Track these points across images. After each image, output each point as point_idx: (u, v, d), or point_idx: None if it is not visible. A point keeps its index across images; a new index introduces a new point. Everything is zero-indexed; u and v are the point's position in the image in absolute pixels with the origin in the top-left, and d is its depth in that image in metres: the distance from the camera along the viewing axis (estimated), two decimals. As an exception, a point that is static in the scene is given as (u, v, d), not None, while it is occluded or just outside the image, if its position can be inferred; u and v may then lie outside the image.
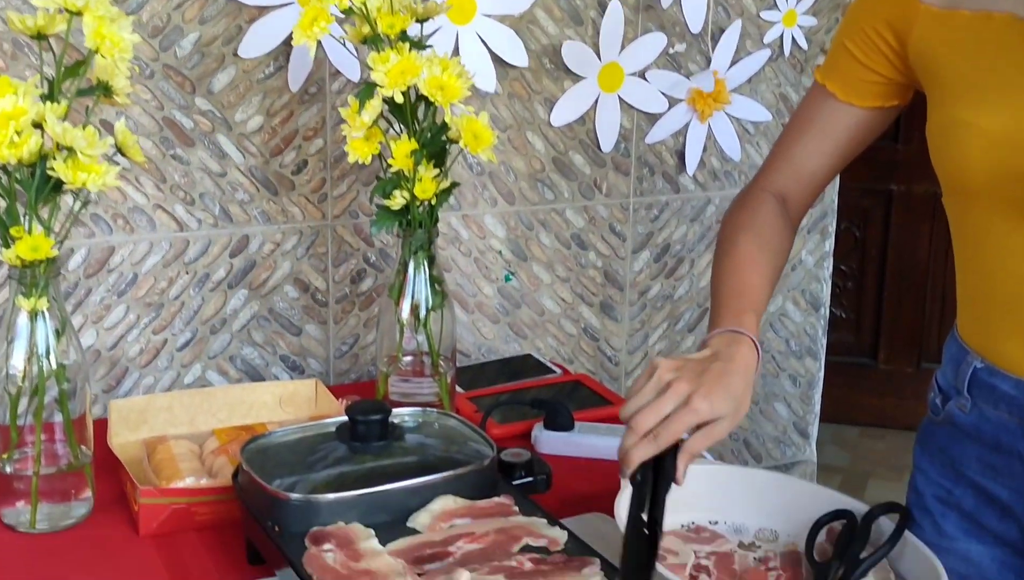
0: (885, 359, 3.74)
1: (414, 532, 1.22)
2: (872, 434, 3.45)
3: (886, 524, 1.30)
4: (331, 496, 1.23)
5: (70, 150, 1.25)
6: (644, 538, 1.10)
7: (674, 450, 1.17)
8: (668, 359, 1.20)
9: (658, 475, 1.15)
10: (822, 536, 1.33)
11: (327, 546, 1.17)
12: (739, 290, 1.31)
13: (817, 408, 2.39)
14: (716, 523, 1.42)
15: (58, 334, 1.34)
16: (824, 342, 2.40)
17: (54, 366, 1.34)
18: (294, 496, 1.22)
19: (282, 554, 1.19)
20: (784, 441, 2.39)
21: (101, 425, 1.51)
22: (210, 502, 1.38)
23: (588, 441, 1.62)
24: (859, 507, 1.33)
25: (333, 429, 1.35)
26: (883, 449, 3.38)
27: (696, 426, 1.16)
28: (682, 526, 1.41)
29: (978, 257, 1.26)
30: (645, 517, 1.12)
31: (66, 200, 1.34)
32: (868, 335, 3.75)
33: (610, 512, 1.46)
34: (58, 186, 1.29)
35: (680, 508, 1.41)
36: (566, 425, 1.65)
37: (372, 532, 1.20)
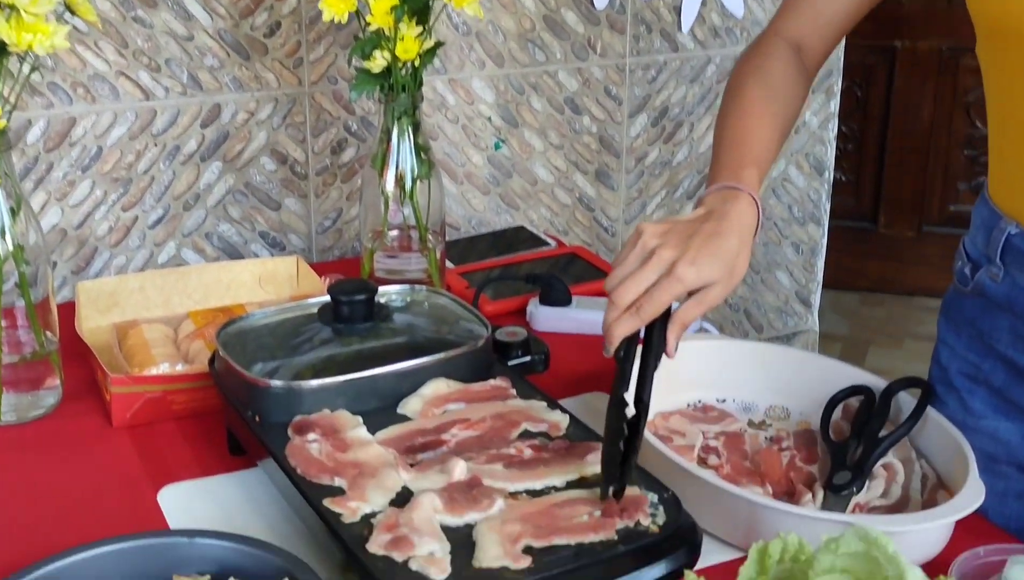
0: (886, 223, 3.64)
1: (404, 419, 1.14)
2: (871, 301, 3.38)
3: (906, 400, 1.22)
4: (314, 382, 1.14)
5: (12, 8, 1.13)
6: (626, 420, 1.01)
7: (665, 321, 1.08)
8: (655, 223, 1.09)
9: (647, 350, 1.06)
10: (838, 413, 1.26)
11: (311, 436, 1.09)
12: (741, 140, 1.19)
13: (820, 276, 2.31)
14: (724, 401, 1.34)
15: (13, 213, 1.24)
16: (828, 208, 2.31)
17: (11, 248, 1.24)
18: (275, 383, 1.14)
19: (263, 445, 1.11)
20: (786, 311, 2.31)
21: (69, 309, 1.42)
22: (186, 390, 1.29)
23: (586, 316, 1.53)
24: (877, 382, 1.26)
25: (315, 310, 1.26)
26: (883, 316, 3.31)
27: (689, 293, 1.07)
28: (688, 405, 1.33)
29: (1015, 112, 1.15)
30: (631, 398, 1.03)
31: (15, 66, 1.22)
32: (868, 199, 3.65)
33: (608, 389, 1.39)
34: (2, 49, 1.17)
35: (686, 386, 1.33)
36: (562, 300, 1.57)
37: (360, 420, 1.12)
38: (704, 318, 1.53)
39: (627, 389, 1.04)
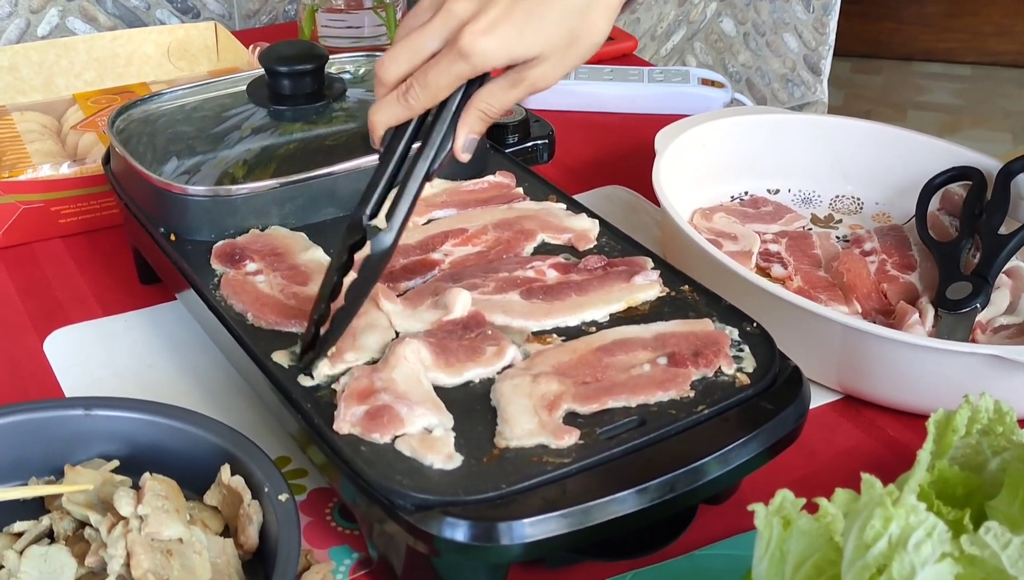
0: (881, -23, 3.26)
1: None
2: (866, 67, 3.06)
3: (1029, 185, 0.94)
4: (248, 187, 0.83)
5: None
6: (344, 247, 0.69)
7: (448, 113, 0.70)
8: None
9: (421, 150, 0.69)
10: (935, 204, 0.98)
11: (250, 266, 0.79)
12: None
13: (832, 38, 2.00)
14: (777, 192, 1.05)
15: None
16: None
17: None
18: (194, 189, 0.83)
19: (183, 275, 0.80)
20: (792, 79, 2.00)
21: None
22: (76, 198, 0.98)
23: (590, 89, 1.23)
24: (987, 162, 0.97)
25: (244, 87, 0.93)
26: (880, 84, 2.99)
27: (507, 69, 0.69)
28: (733, 198, 1.04)
29: None
30: (380, 211, 0.68)
31: None
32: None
33: (630, 182, 1.10)
34: None
35: (727, 175, 1.04)
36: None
37: (304, 238, 0.82)
38: (711, 86, 1.23)
39: (370, 205, 0.69)
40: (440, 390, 0.68)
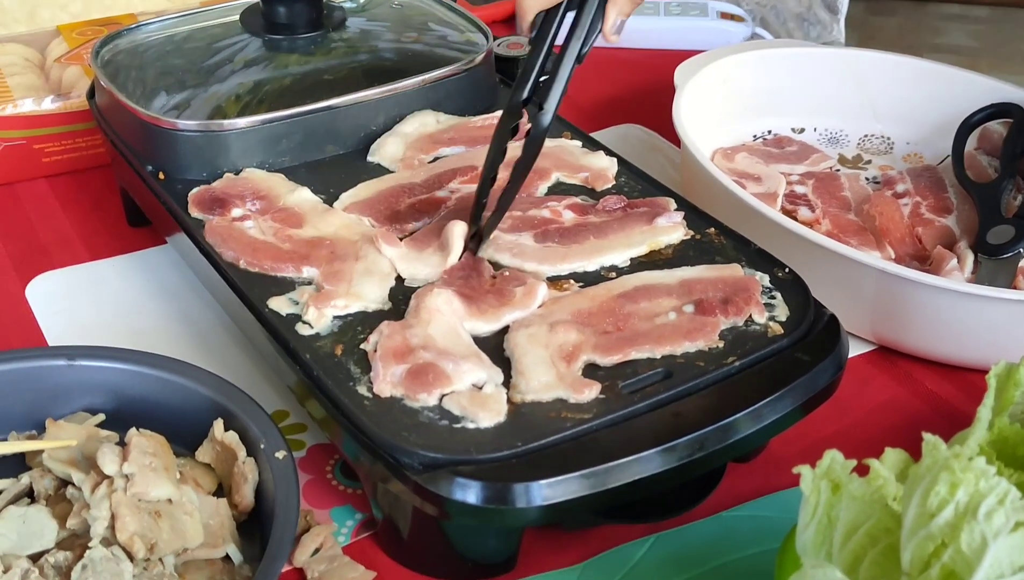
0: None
1: (380, 171, 0.78)
2: (881, 9, 2.96)
3: (1074, 123, 0.89)
4: (242, 121, 0.77)
5: None
6: (507, 131, 0.69)
7: None
8: None
9: (572, 31, 0.70)
10: (972, 143, 0.92)
11: (236, 212, 0.73)
12: None
13: (850, -25, 1.92)
14: (803, 131, 1.00)
15: None
16: None
17: None
18: (184, 124, 0.77)
19: (173, 217, 0.75)
20: (808, 19, 1.93)
21: None
22: (60, 135, 0.92)
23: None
24: (1026, 98, 0.91)
25: (237, 16, 0.87)
26: (895, 26, 2.90)
27: None
28: (755, 137, 0.99)
29: None
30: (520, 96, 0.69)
31: None
32: None
33: (646, 120, 1.04)
34: None
35: (749, 113, 0.98)
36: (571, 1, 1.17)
37: (284, 179, 0.76)
38: (730, 19, 1.17)
39: (526, 89, 0.69)
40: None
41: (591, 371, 0.61)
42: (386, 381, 0.59)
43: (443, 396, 0.58)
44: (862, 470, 0.47)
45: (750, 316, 0.64)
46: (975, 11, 2.96)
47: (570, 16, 0.71)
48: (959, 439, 0.49)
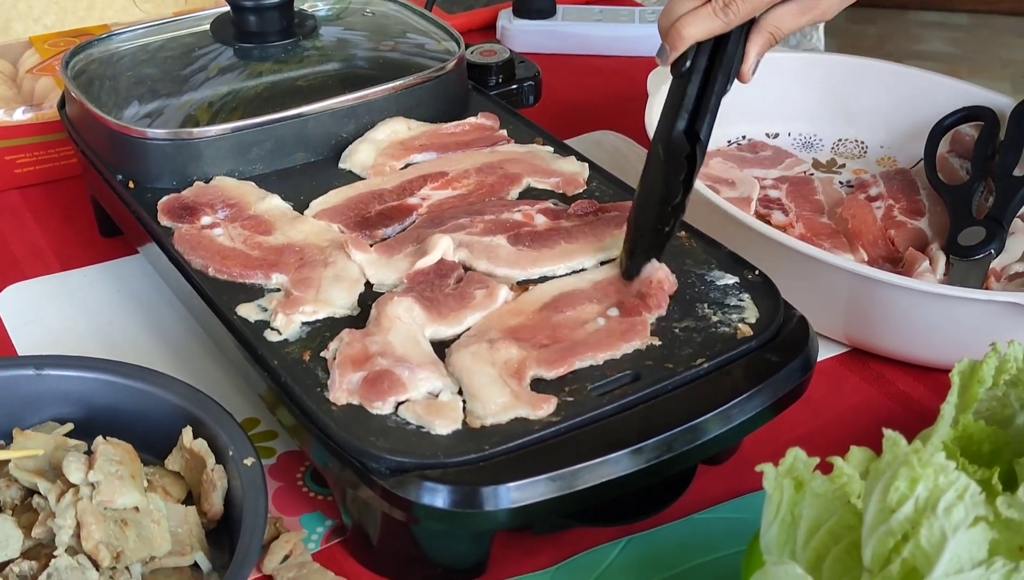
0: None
1: (351, 178, 0.78)
2: (861, 16, 2.98)
3: (1045, 124, 0.89)
4: (212, 129, 0.77)
5: None
6: (680, 160, 0.67)
7: (747, 27, 0.71)
8: None
9: (718, 66, 0.69)
10: (945, 146, 0.92)
11: (205, 220, 0.73)
12: None
13: (828, -17, 1.92)
14: (777, 136, 1.00)
15: None
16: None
17: None
18: (153, 132, 0.77)
19: (143, 225, 0.75)
20: (787, 27, 1.94)
21: None
22: (34, 146, 0.92)
23: (578, 30, 1.17)
24: (998, 100, 0.92)
25: (207, 26, 0.87)
26: (875, 34, 2.91)
27: None
28: (730, 142, 0.99)
29: None
30: (682, 127, 0.68)
31: None
32: None
33: (620, 127, 1.04)
34: None
35: (724, 118, 0.97)
36: (545, 9, 1.19)
37: (254, 188, 0.76)
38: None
39: (684, 120, 0.69)
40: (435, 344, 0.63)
41: (537, 385, 0.60)
42: (342, 389, 0.59)
43: (399, 404, 0.58)
44: (827, 468, 0.46)
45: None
46: (954, 18, 2.98)
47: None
48: (923, 436, 0.49)
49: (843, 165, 0.97)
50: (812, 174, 0.95)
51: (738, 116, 0.99)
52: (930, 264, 0.81)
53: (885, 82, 0.97)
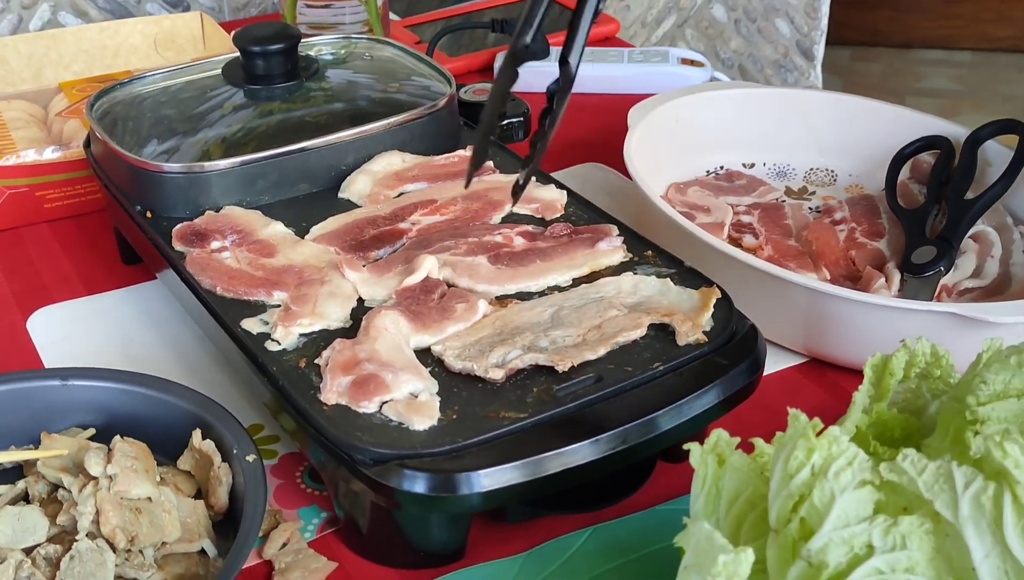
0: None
1: (349, 207, 0.86)
2: (864, 55, 3.05)
3: (997, 152, 0.95)
4: (224, 163, 0.85)
5: None
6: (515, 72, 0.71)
7: None
8: None
9: None
10: (905, 173, 0.99)
11: (215, 244, 0.80)
12: None
13: (824, 23, 2.00)
14: (752, 166, 1.07)
15: None
16: (830, -58, 1.98)
17: None
18: (168, 166, 0.85)
19: (158, 250, 0.82)
20: (785, 65, 2.01)
21: (-94, 88, 1.10)
22: (61, 182, 1.00)
23: (570, 70, 1.23)
24: (955, 130, 0.98)
25: (219, 70, 0.95)
26: (878, 72, 2.99)
27: None
28: (708, 172, 1.06)
29: None
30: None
31: None
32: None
33: (608, 160, 1.11)
34: None
35: (703, 149, 1.06)
36: (538, 51, 1.25)
37: (260, 216, 0.83)
38: (690, 65, 1.25)
39: (530, 34, 0.71)
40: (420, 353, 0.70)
41: (532, 374, 0.67)
42: (332, 390, 0.65)
43: (383, 404, 0.65)
44: (751, 448, 0.53)
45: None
46: (957, 56, 3.05)
47: None
48: (840, 422, 0.56)
49: (814, 192, 1.04)
50: (784, 201, 1.02)
51: (715, 147, 1.06)
52: (885, 281, 0.87)
53: (852, 114, 1.04)
